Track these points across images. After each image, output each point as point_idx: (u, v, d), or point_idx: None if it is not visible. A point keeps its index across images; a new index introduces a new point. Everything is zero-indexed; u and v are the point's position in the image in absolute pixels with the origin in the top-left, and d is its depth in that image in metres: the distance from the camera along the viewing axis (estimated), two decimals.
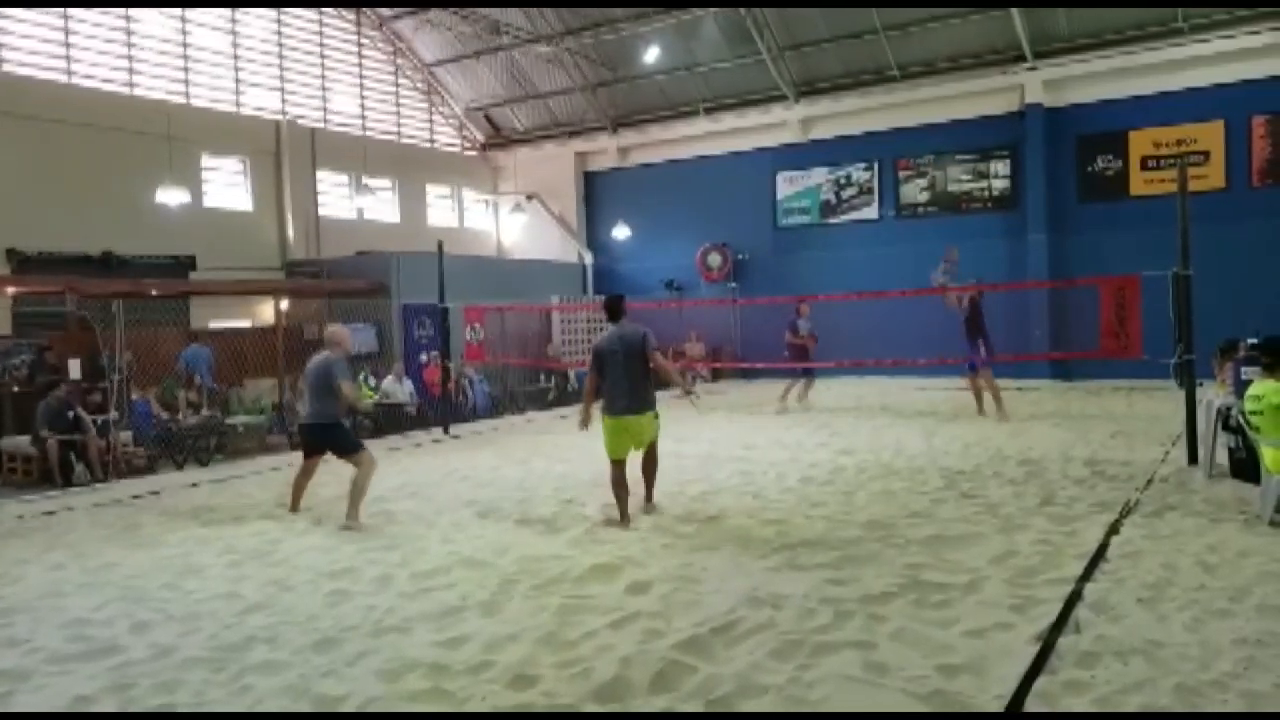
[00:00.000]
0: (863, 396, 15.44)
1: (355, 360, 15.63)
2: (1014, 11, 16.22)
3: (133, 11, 16.28)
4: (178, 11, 16.99)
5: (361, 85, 20.67)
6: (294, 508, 7.63)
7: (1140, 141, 16.39)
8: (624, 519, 6.74)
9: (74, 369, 11.80)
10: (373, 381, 8.24)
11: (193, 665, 4.22)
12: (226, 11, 17.86)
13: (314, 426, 7.37)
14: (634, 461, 7.08)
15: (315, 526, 7.03)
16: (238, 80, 18.11)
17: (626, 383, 6.81)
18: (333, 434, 7.32)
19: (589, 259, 22.08)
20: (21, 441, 10.77)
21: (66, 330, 12.79)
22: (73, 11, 15.51)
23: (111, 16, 16.04)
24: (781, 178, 19.78)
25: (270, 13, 18.67)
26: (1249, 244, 14.96)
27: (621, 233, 20.99)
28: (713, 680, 3.84)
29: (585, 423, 7.13)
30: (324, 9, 19.69)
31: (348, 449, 7.31)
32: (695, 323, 19.24)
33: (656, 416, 6.98)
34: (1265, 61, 15.30)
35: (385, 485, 8.45)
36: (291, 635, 4.57)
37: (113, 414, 10.73)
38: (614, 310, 7.07)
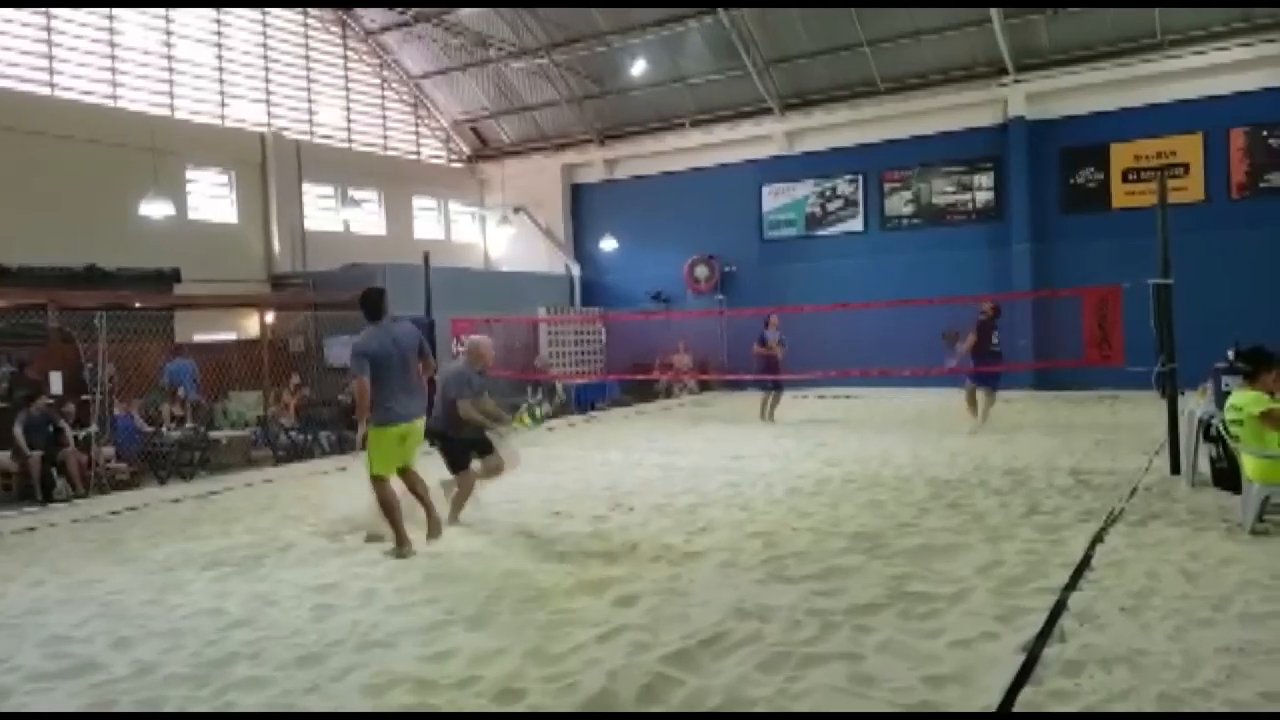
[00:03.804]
0: (849, 407, 15.50)
1: (343, 372, 15.68)
2: (996, 26, 16.39)
3: (116, 23, 16.24)
4: (161, 23, 16.95)
5: (348, 97, 20.67)
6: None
7: (1121, 154, 16.56)
8: (402, 542, 6.12)
9: (55, 383, 11.70)
10: (540, 411, 7.60)
11: (175, 682, 4.18)
12: (211, 23, 17.84)
13: (430, 432, 7.11)
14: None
15: (299, 541, 6.97)
16: (222, 92, 18.07)
17: (406, 385, 6.14)
18: (443, 444, 7.19)
19: (576, 271, 22.08)
20: (2, 457, 10.65)
21: (48, 344, 12.67)
22: (56, 23, 15.45)
23: (94, 29, 15.99)
24: (767, 190, 19.87)
25: (255, 24, 18.65)
26: (1229, 255, 15.12)
27: (609, 245, 21.04)
28: (700, 693, 3.83)
29: (365, 439, 6.23)
30: (309, 20, 19.70)
31: (452, 465, 7.22)
32: (683, 334, 19.36)
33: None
34: (1242, 75, 15.51)
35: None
36: (275, 651, 4.53)
37: (93, 427, 10.63)
38: (374, 307, 6.17)
